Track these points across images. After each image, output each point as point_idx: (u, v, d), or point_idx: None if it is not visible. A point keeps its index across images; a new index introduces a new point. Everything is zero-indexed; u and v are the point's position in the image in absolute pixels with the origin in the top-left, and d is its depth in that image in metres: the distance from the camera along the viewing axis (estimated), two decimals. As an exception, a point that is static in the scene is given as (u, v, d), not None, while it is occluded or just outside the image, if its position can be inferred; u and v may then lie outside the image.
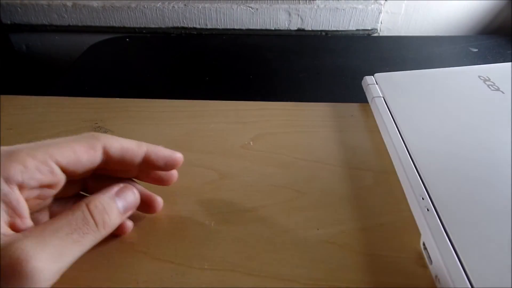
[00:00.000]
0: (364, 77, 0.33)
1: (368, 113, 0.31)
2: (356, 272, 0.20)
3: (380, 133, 0.28)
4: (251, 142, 0.28)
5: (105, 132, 0.30)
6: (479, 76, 0.30)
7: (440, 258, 0.18)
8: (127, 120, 0.31)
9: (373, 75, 0.33)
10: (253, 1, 0.51)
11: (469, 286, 0.16)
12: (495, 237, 0.18)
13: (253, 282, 0.19)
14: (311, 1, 0.50)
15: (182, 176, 0.25)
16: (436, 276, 0.18)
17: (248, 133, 0.29)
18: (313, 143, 0.28)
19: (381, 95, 0.30)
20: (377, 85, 0.31)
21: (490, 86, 0.28)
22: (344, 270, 0.20)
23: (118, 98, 0.33)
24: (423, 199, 0.21)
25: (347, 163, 0.26)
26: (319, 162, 0.26)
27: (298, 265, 0.20)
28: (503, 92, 0.28)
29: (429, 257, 0.19)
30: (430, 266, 0.19)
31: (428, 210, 0.20)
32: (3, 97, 0.34)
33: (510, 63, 0.32)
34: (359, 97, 0.33)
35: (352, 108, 0.32)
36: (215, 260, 0.20)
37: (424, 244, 0.20)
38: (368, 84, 0.32)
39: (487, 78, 0.29)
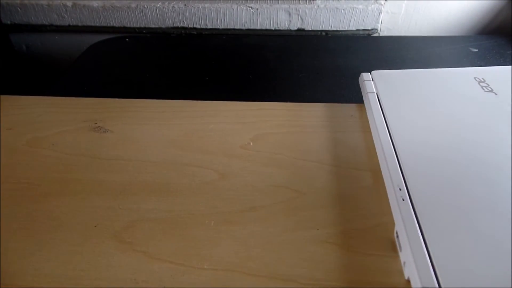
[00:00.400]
0: (361, 74, 0.33)
1: (367, 114, 0.31)
2: (355, 272, 0.20)
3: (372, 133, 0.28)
4: (250, 142, 0.28)
5: (105, 132, 0.30)
6: (474, 78, 0.30)
7: (408, 245, 0.18)
8: (127, 120, 0.31)
9: (370, 72, 0.33)
10: (253, 1, 0.51)
11: (433, 273, 0.17)
12: (464, 232, 0.19)
13: (253, 282, 0.19)
14: (311, 1, 0.50)
15: (181, 176, 0.26)
16: (404, 263, 0.19)
17: (248, 133, 0.29)
18: (312, 143, 0.28)
19: (375, 91, 0.30)
20: (373, 81, 0.32)
21: (484, 88, 0.29)
22: (343, 270, 0.20)
23: (118, 98, 0.33)
24: (400, 189, 0.21)
25: (346, 163, 0.26)
26: (318, 162, 0.27)
27: (298, 265, 0.20)
28: (496, 94, 0.28)
29: (400, 245, 0.20)
30: (400, 254, 0.20)
31: (403, 200, 0.21)
32: (3, 97, 0.34)
33: (507, 66, 0.32)
34: (359, 97, 0.33)
35: (351, 108, 0.32)
36: (214, 260, 0.20)
37: (397, 233, 0.20)
38: (364, 81, 0.32)
39: (482, 80, 0.30)
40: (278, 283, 0.19)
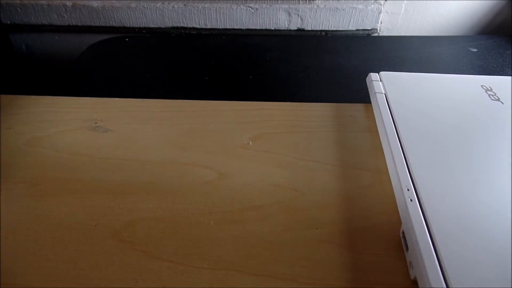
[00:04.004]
0: (369, 74, 0.33)
1: (367, 113, 0.31)
2: (355, 271, 0.20)
3: (379, 133, 0.28)
4: (250, 142, 0.28)
5: (105, 132, 0.30)
6: (481, 86, 0.31)
7: (416, 245, 0.18)
8: (127, 120, 0.31)
9: (378, 73, 0.33)
10: (253, 1, 0.51)
11: (440, 273, 0.17)
12: (472, 232, 0.19)
13: (252, 281, 0.19)
14: (311, 1, 0.50)
15: (181, 176, 0.26)
16: (410, 263, 0.19)
17: (248, 133, 0.29)
18: (312, 143, 0.28)
19: (383, 92, 0.30)
20: (381, 82, 0.32)
21: (490, 96, 0.29)
22: (342, 269, 0.20)
23: (118, 98, 0.33)
24: (408, 190, 0.21)
25: (346, 163, 0.26)
26: (318, 162, 0.27)
27: (297, 265, 0.20)
28: (502, 103, 0.29)
29: (406, 245, 0.20)
30: (406, 254, 0.20)
31: (411, 200, 0.21)
32: (3, 97, 0.34)
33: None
34: (359, 97, 0.33)
35: (351, 108, 0.32)
36: (214, 259, 0.20)
37: (403, 233, 0.20)
38: (372, 81, 0.32)
39: (489, 88, 0.30)
40: (278, 283, 0.19)
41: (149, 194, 0.24)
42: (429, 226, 0.19)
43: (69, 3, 0.52)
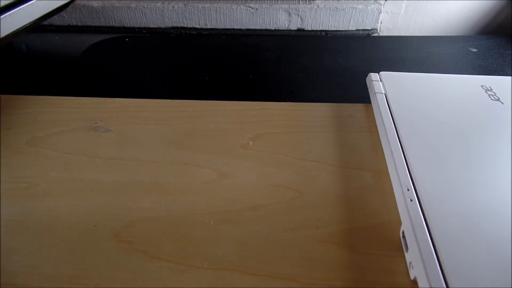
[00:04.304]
0: (369, 74, 0.33)
1: (367, 114, 0.31)
2: (356, 271, 0.20)
3: (379, 133, 0.28)
4: (250, 142, 0.28)
5: (105, 131, 0.30)
6: (481, 86, 0.31)
7: (416, 245, 0.18)
8: (127, 120, 0.31)
9: (378, 73, 0.33)
10: (253, 1, 0.51)
11: (440, 273, 0.17)
12: (472, 232, 0.19)
13: (252, 281, 0.19)
14: (311, 1, 0.50)
15: (181, 175, 0.26)
16: (410, 263, 0.19)
17: (248, 133, 0.29)
18: (312, 143, 0.28)
19: (383, 92, 0.30)
20: (381, 82, 0.32)
21: (490, 96, 0.29)
22: (342, 269, 0.20)
23: (118, 98, 0.33)
24: (408, 190, 0.21)
25: (346, 163, 0.26)
26: (318, 162, 0.27)
27: (297, 265, 0.20)
28: (502, 103, 0.29)
29: (406, 245, 0.20)
30: (406, 254, 0.20)
31: (411, 200, 0.21)
32: (3, 97, 0.34)
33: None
34: (359, 97, 0.33)
35: (351, 108, 0.32)
36: (214, 259, 0.20)
37: (403, 233, 0.20)
38: (372, 81, 0.32)
39: (489, 88, 0.30)
40: (278, 282, 0.19)
41: (149, 194, 0.24)
42: (429, 226, 0.19)
43: (69, 3, 0.52)
